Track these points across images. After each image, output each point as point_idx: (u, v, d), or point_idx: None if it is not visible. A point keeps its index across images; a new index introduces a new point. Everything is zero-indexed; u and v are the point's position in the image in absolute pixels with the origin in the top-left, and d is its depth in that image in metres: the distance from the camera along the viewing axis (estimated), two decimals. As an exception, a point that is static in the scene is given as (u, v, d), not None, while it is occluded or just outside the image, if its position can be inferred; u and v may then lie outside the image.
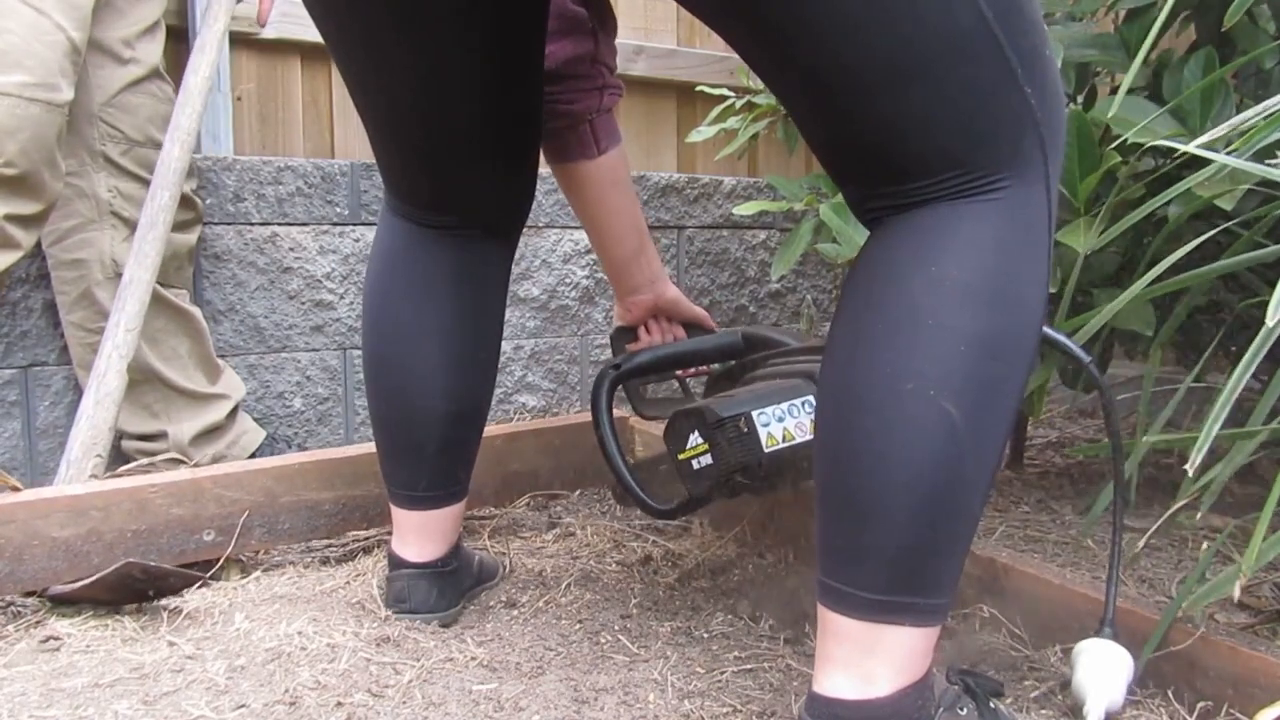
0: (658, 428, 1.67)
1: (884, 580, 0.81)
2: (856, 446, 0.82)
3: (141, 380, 1.69)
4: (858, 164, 0.84)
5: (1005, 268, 0.80)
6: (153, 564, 1.21)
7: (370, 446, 1.37)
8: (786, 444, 1.09)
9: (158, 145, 1.67)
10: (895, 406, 0.80)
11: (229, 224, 1.87)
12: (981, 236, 0.80)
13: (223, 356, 1.85)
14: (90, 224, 1.66)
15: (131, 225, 1.65)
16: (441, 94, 1.04)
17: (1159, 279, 1.09)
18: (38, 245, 1.64)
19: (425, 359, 1.16)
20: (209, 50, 1.70)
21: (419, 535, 1.21)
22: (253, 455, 1.80)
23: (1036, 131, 0.81)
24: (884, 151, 0.81)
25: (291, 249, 1.92)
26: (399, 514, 1.21)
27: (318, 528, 1.43)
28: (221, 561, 1.35)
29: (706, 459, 1.08)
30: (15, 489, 1.38)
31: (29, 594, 1.25)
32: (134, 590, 1.23)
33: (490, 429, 1.56)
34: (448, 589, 1.23)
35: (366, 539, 1.48)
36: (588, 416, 1.63)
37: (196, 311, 1.77)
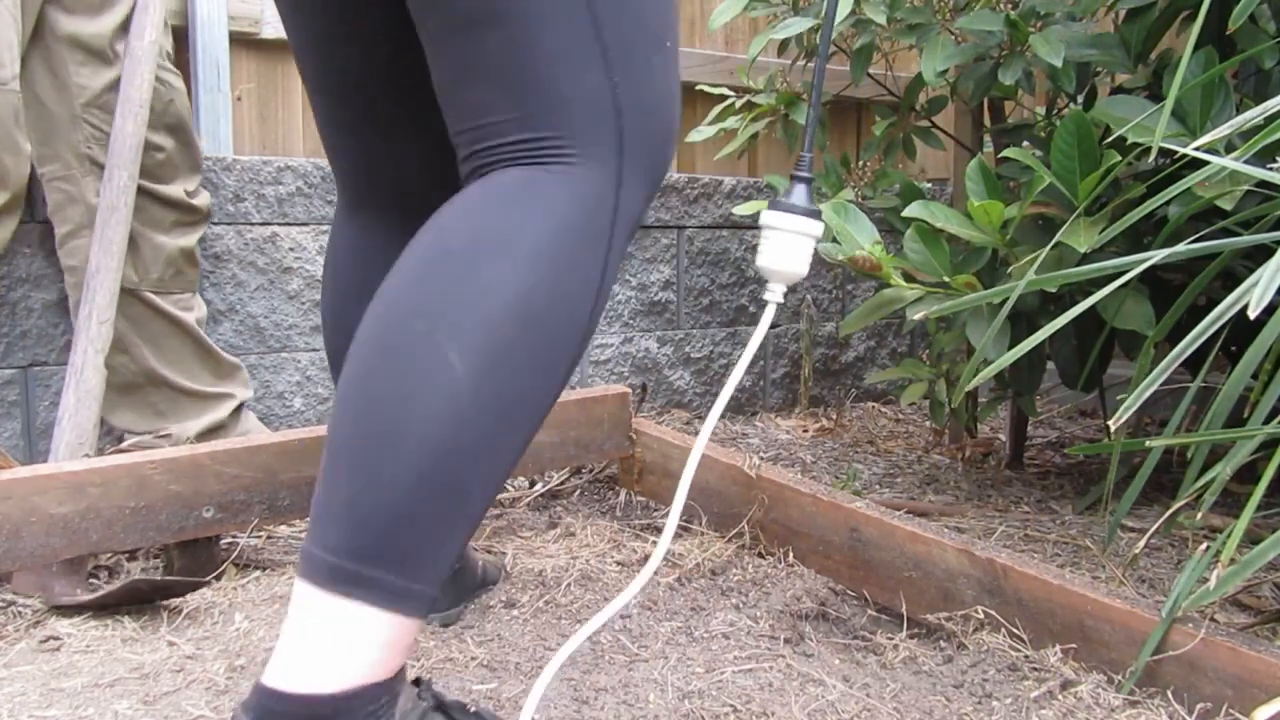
0: (658, 429, 1.67)
1: (352, 542, 0.74)
2: (355, 387, 0.77)
3: (147, 383, 1.68)
4: (452, 110, 0.84)
5: (558, 241, 0.78)
6: (159, 577, 1.21)
7: None
8: None
9: (150, 146, 1.62)
10: (399, 346, 0.76)
11: (229, 224, 1.87)
12: (539, 204, 0.79)
13: (223, 356, 1.85)
14: (81, 230, 1.61)
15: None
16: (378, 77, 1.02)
17: (1150, 271, 1.09)
18: (47, 245, 1.64)
19: None
20: (154, 9, 1.59)
21: None
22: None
23: (616, 123, 0.81)
24: (465, 95, 0.81)
25: (291, 249, 1.92)
26: None
27: None
28: (224, 564, 1.35)
29: None
30: (7, 465, 1.36)
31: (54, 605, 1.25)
32: (138, 597, 1.23)
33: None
34: (449, 588, 1.22)
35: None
36: (590, 394, 1.63)
37: (192, 317, 1.74)
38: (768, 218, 0.95)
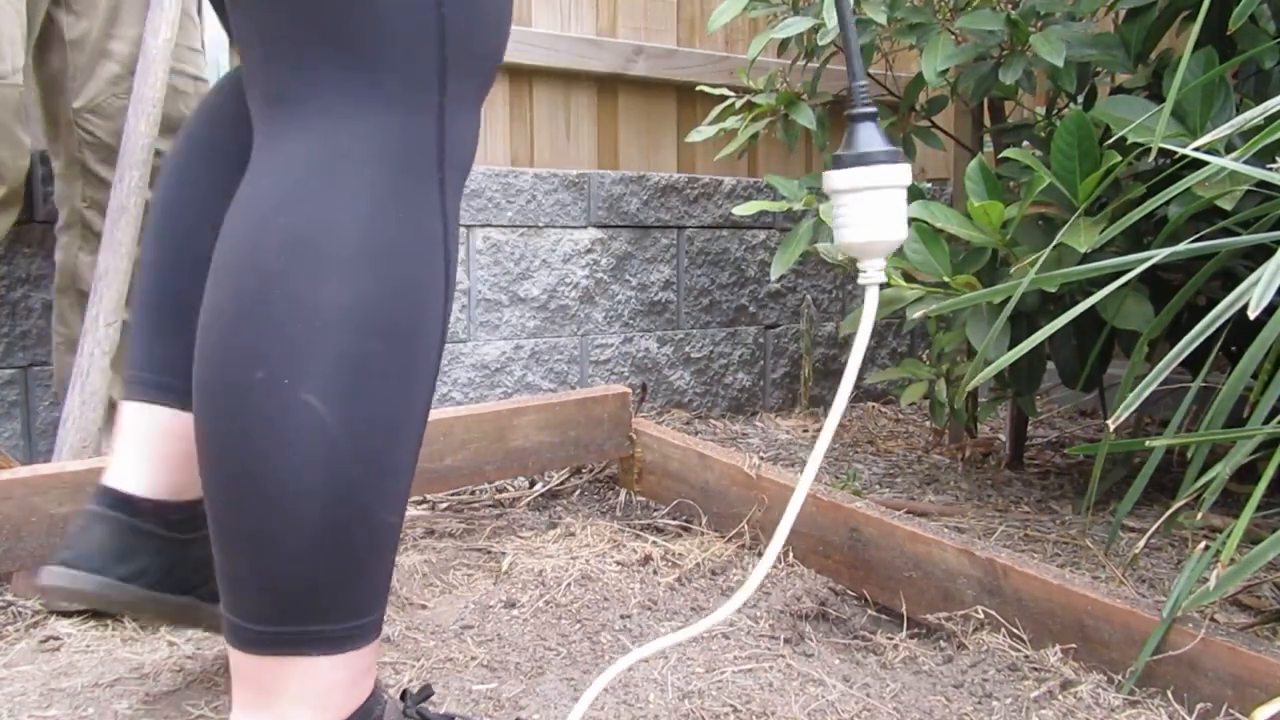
0: (658, 429, 1.67)
1: (275, 610, 0.68)
2: (220, 455, 0.68)
3: None
4: (241, 22, 0.71)
5: (378, 220, 0.67)
6: None
7: None
8: None
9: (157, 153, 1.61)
10: (249, 404, 0.66)
11: (229, 224, 1.87)
12: (346, 181, 0.67)
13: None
14: (69, 227, 1.59)
15: (98, 237, 1.54)
16: None
17: (1150, 271, 1.09)
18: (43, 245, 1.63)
19: None
20: (169, 6, 1.54)
21: (139, 444, 0.91)
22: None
23: (439, 50, 0.68)
24: (261, 24, 0.69)
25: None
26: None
27: None
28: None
29: None
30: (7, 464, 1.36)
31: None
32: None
33: (492, 405, 1.57)
34: (150, 555, 0.90)
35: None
36: (590, 394, 1.63)
37: None
38: (837, 179, 0.75)
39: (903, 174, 0.75)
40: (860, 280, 0.77)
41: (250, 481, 0.67)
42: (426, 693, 0.83)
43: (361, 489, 0.68)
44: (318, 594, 0.69)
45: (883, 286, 0.80)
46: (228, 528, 0.69)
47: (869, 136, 0.74)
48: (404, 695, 0.81)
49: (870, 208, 0.74)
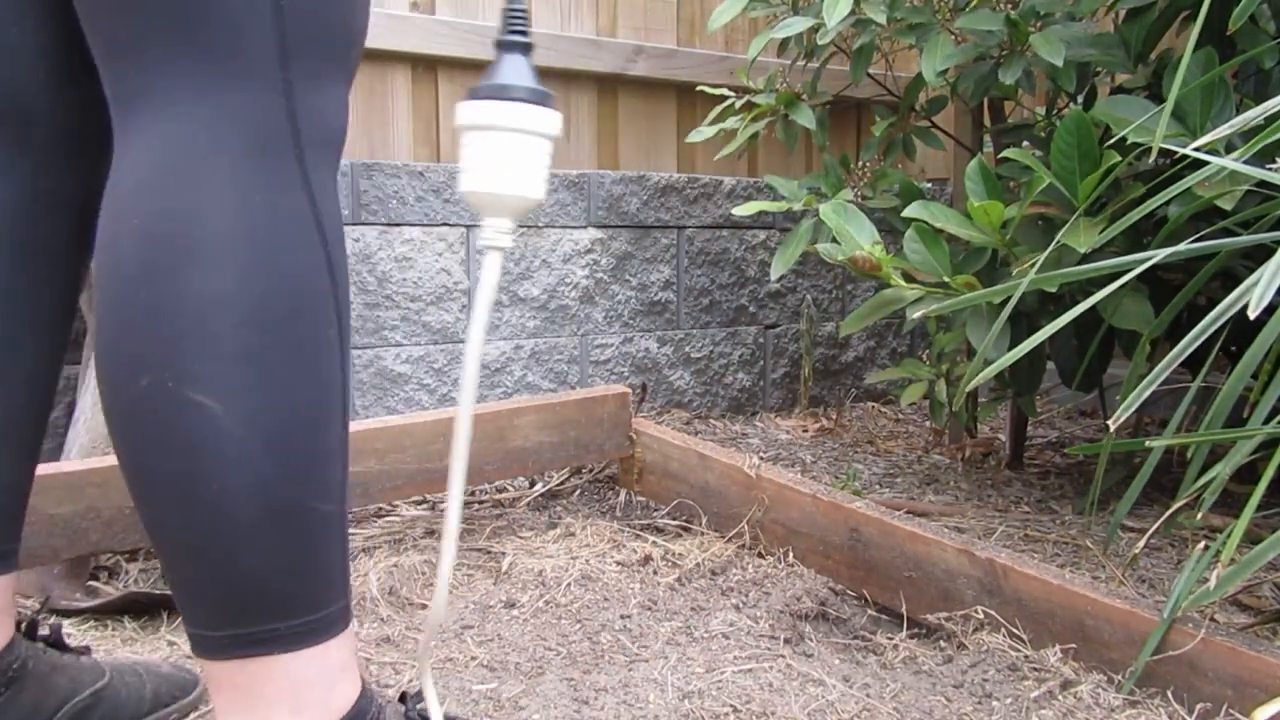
0: (658, 429, 1.67)
1: (229, 614, 0.68)
2: (136, 468, 0.67)
3: None
4: (89, 24, 0.68)
5: (235, 207, 0.64)
6: (157, 591, 1.21)
7: (371, 423, 1.35)
8: None
9: None
10: (144, 411, 0.64)
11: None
12: (194, 170, 0.64)
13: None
14: None
15: None
16: None
17: (1150, 271, 1.09)
18: None
19: None
20: None
21: None
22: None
23: (278, 24, 0.64)
24: (98, 23, 0.66)
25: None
26: None
27: None
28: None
29: None
30: None
31: (43, 606, 1.25)
32: (135, 607, 1.23)
33: (492, 405, 1.57)
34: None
35: (368, 538, 1.48)
36: (590, 394, 1.63)
37: None
38: (467, 112, 0.63)
39: (548, 121, 0.64)
40: (479, 242, 0.66)
41: (169, 489, 0.66)
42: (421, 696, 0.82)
43: (283, 483, 0.67)
44: (267, 592, 0.68)
45: (503, 249, 0.66)
46: (164, 538, 0.68)
47: (516, 70, 0.63)
48: (403, 697, 0.81)
49: (502, 153, 0.63)
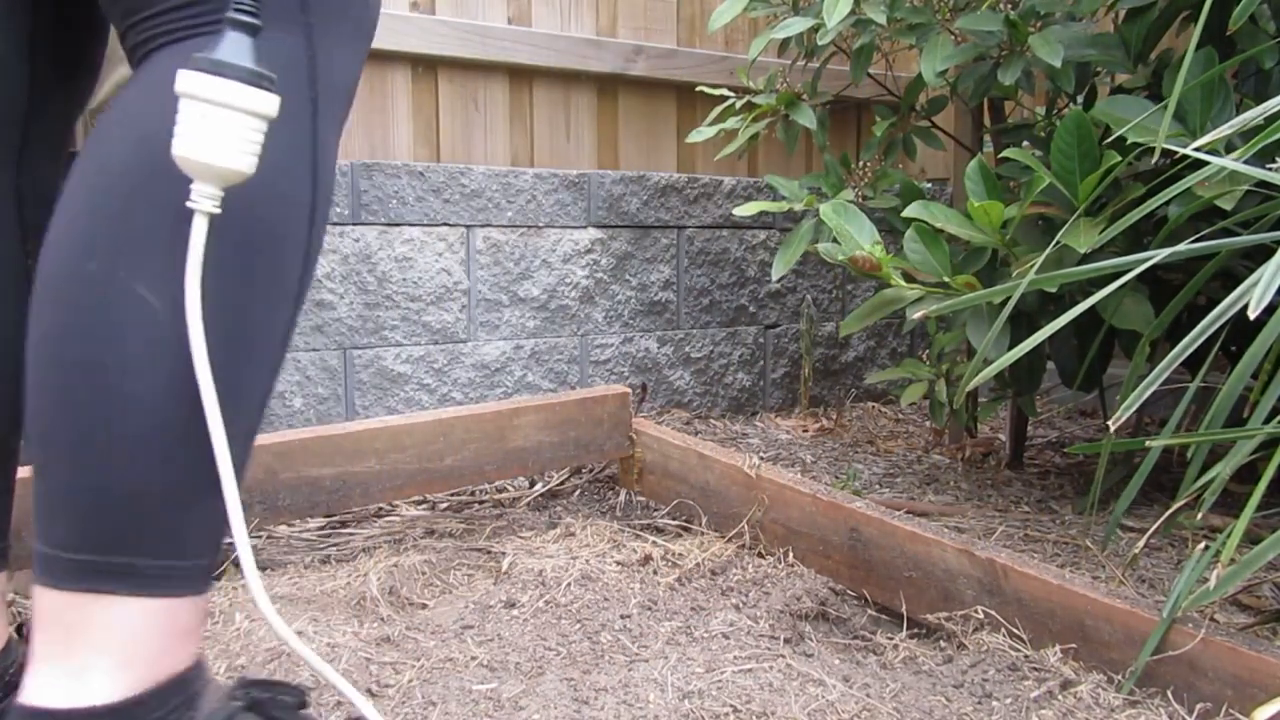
0: (658, 429, 1.67)
1: (89, 534, 0.64)
2: (45, 352, 0.65)
3: None
4: None
5: None
6: None
7: (371, 423, 1.35)
8: None
9: None
10: (79, 293, 0.63)
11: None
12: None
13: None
14: None
15: None
16: None
17: (1150, 271, 1.09)
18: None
19: None
20: None
21: None
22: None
23: None
24: None
25: (291, 249, 1.92)
26: None
27: (318, 504, 1.41)
28: (224, 564, 1.34)
29: None
30: None
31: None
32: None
33: (492, 405, 1.57)
34: None
35: (368, 538, 1.48)
36: (590, 394, 1.63)
37: None
38: (182, 80, 0.64)
39: (262, 102, 0.65)
40: (188, 203, 0.66)
41: (76, 377, 0.63)
42: (299, 697, 0.76)
43: (197, 402, 0.64)
44: (140, 516, 0.64)
45: (210, 217, 0.65)
46: (48, 435, 0.65)
47: (238, 49, 0.65)
48: (243, 682, 0.74)
49: (212, 126, 0.65)
